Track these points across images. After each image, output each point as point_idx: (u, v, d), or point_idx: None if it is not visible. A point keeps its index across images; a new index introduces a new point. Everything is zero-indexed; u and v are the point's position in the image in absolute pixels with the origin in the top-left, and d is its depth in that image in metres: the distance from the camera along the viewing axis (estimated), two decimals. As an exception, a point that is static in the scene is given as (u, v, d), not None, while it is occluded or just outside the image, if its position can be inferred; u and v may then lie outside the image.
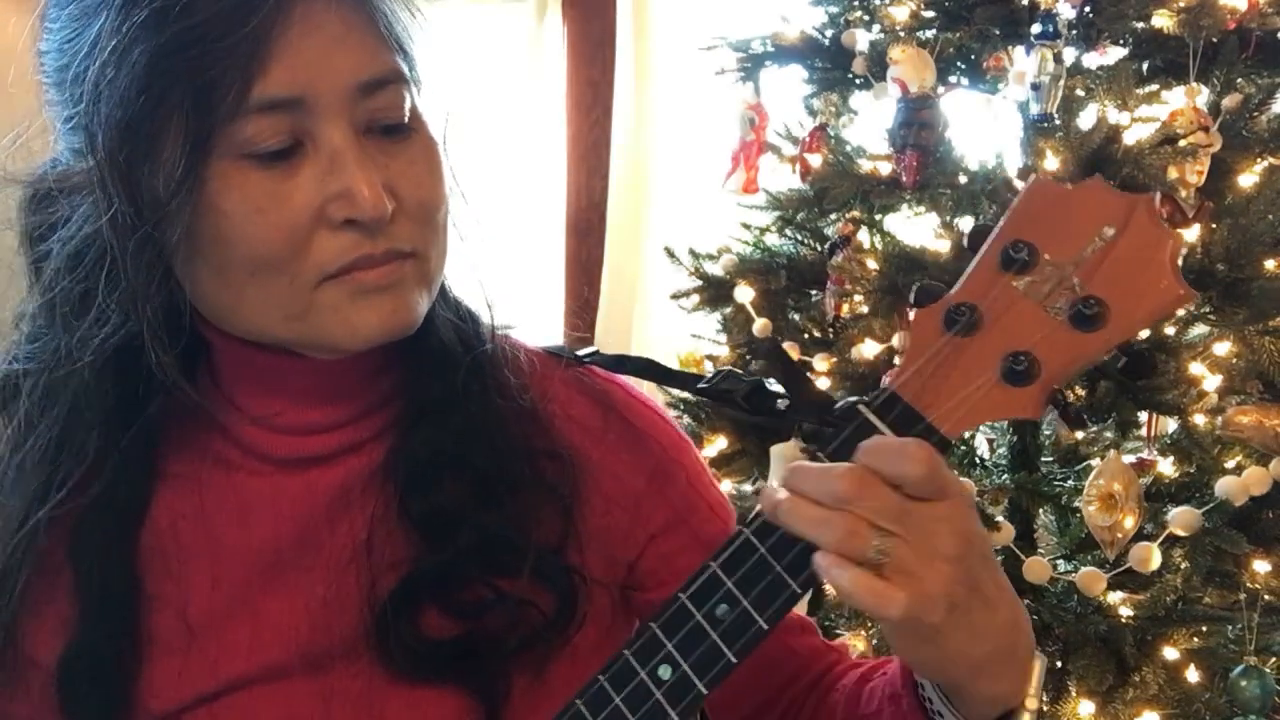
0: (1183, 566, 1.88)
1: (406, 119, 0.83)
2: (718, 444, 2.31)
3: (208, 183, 0.78)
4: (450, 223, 0.88)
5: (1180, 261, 0.69)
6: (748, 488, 2.30)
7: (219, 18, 0.75)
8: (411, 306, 0.84)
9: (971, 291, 0.71)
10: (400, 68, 0.82)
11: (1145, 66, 2.04)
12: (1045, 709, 1.92)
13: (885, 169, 2.12)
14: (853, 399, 0.71)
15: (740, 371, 0.87)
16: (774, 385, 0.86)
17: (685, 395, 2.26)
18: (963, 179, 2.04)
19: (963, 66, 2.16)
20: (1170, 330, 1.94)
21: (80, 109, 0.79)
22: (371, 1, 0.81)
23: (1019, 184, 1.94)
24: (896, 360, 2.00)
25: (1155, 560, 1.73)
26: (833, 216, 2.29)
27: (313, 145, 0.79)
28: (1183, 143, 1.86)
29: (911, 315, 0.72)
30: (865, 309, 2.10)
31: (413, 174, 0.83)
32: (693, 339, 2.59)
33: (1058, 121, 1.91)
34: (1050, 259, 0.69)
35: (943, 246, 2.02)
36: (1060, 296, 0.69)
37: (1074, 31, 1.96)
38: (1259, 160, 1.95)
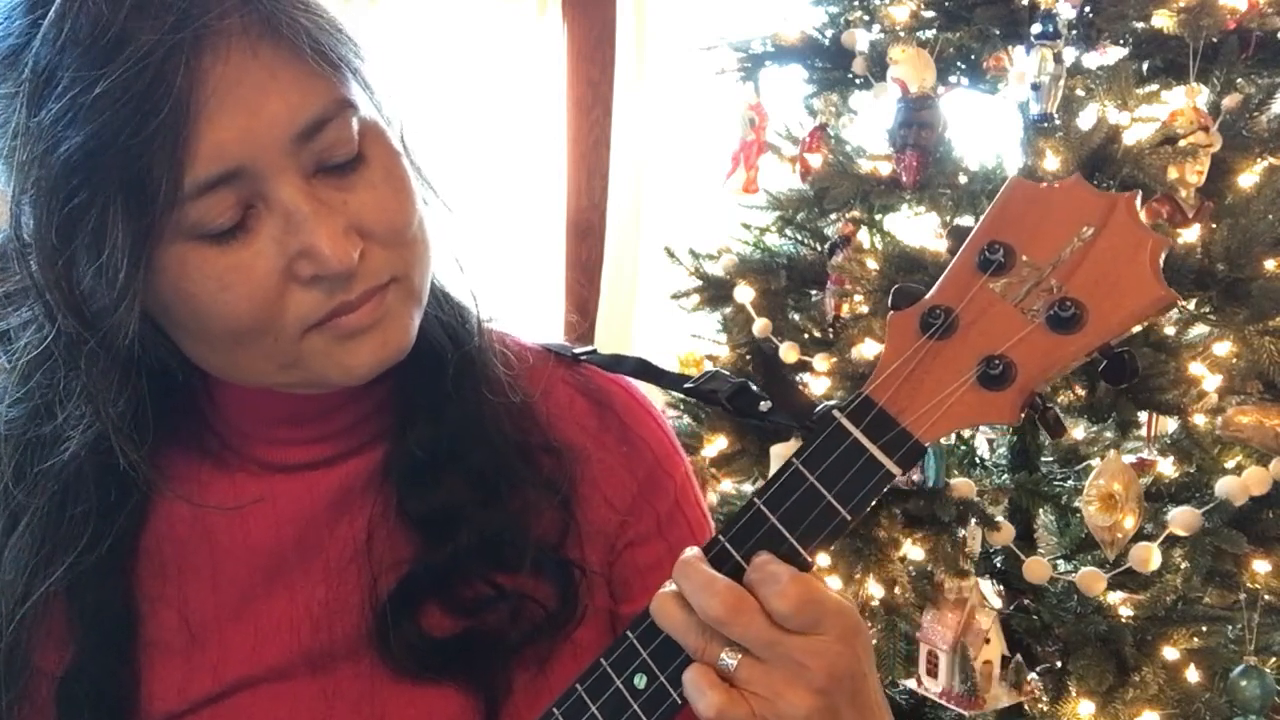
0: (1183, 566, 1.88)
1: (356, 148, 0.78)
2: (718, 444, 2.31)
3: (166, 269, 0.74)
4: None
5: (1161, 262, 0.66)
6: (748, 488, 2.30)
7: (130, 109, 0.69)
8: (402, 332, 0.82)
9: (948, 294, 0.69)
10: (340, 93, 0.76)
11: (1145, 66, 2.03)
12: (1045, 709, 1.92)
13: (885, 169, 2.11)
14: (830, 403, 0.71)
15: (726, 372, 0.86)
16: (758, 387, 0.86)
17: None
18: (963, 179, 2.03)
19: (963, 66, 2.15)
20: (1170, 330, 1.94)
21: (14, 204, 0.74)
22: (293, 32, 0.74)
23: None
24: (897, 360, 2.00)
25: (1155, 560, 1.72)
26: (833, 216, 2.29)
27: (265, 206, 0.75)
28: (1183, 143, 1.86)
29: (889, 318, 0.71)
30: (865, 309, 2.09)
31: (375, 201, 0.78)
32: (692, 339, 2.59)
33: (1058, 121, 1.91)
34: (1028, 260, 0.68)
35: (943, 246, 2.01)
36: (1038, 298, 0.67)
37: (1074, 31, 1.95)
38: (1259, 160, 1.94)
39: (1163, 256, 0.67)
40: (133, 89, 0.69)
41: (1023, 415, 0.68)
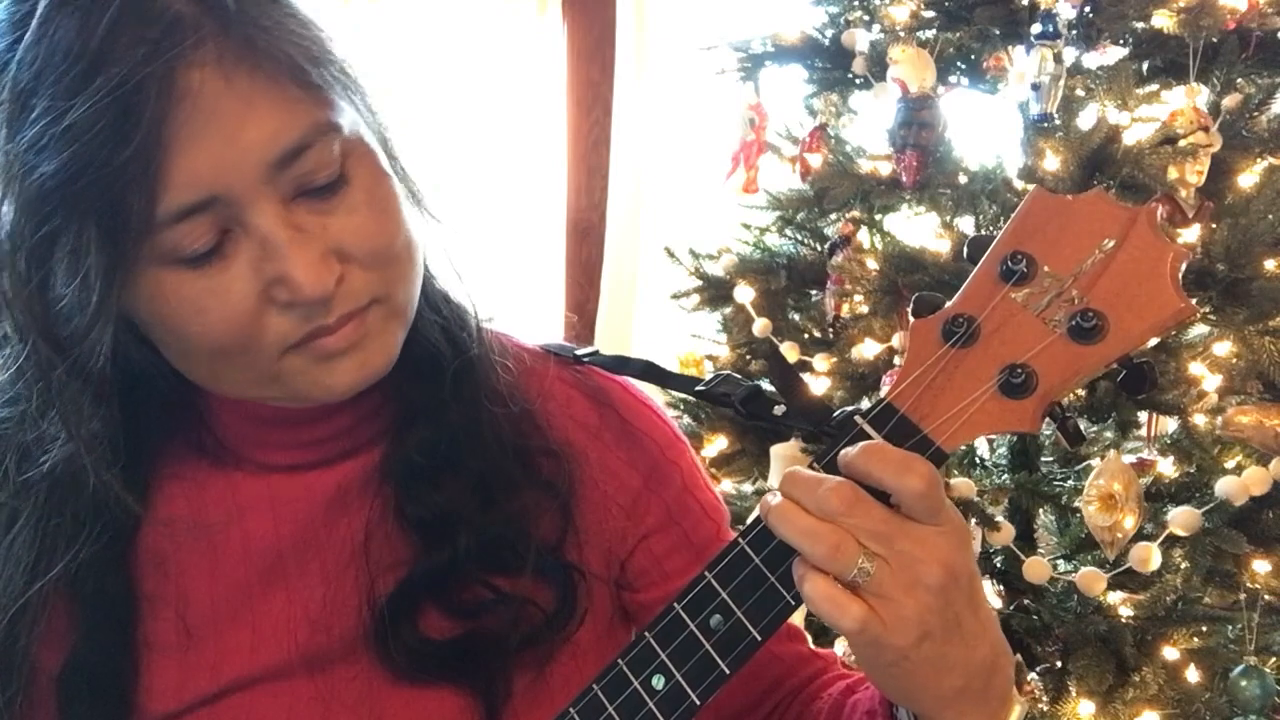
0: (1183, 566, 1.88)
1: (339, 169, 0.77)
2: (717, 444, 2.31)
3: (141, 292, 0.75)
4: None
5: (1181, 274, 0.68)
6: (748, 488, 2.30)
7: (100, 139, 0.68)
8: (382, 352, 0.82)
9: (970, 303, 0.70)
10: (321, 116, 0.75)
11: (1145, 66, 2.03)
12: (1045, 709, 1.92)
13: (885, 169, 2.11)
14: (849, 409, 0.71)
15: (738, 375, 0.87)
16: (771, 390, 0.86)
17: (686, 395, 2.26)
18: (963, 179, 2.03)
19: (963, 66, 2.15)
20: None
21: None
22: (272, 56, 0.73)
23: (1019, 184, 1.94)
24: (897, 360, 2.00)
25: (1155, 560, 1.72)
26: (833, 216, 2.29)
27: (242, 231, 0.74)
28: (1183, 143, 1.86)
29: (909, 325, 0.72)
30: (865, 309, 2.09)
31: (356, 225, 0.77)
32: (692, 339, 2.59)
33: (1058, 121, 1.91)
34: (1050, 270, 0.69)
35: (943, 247, 2.01)
36: (1059, 309, 0.68)
37: (1074, 31, 1.95)
38: (1259, 160, 1.94)
39: (1183, 268, 0.67)
40: (103, 120, 0.68)
41: (1043, 424, 0.69)
